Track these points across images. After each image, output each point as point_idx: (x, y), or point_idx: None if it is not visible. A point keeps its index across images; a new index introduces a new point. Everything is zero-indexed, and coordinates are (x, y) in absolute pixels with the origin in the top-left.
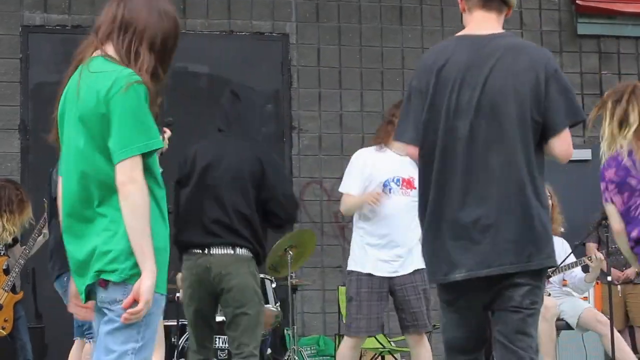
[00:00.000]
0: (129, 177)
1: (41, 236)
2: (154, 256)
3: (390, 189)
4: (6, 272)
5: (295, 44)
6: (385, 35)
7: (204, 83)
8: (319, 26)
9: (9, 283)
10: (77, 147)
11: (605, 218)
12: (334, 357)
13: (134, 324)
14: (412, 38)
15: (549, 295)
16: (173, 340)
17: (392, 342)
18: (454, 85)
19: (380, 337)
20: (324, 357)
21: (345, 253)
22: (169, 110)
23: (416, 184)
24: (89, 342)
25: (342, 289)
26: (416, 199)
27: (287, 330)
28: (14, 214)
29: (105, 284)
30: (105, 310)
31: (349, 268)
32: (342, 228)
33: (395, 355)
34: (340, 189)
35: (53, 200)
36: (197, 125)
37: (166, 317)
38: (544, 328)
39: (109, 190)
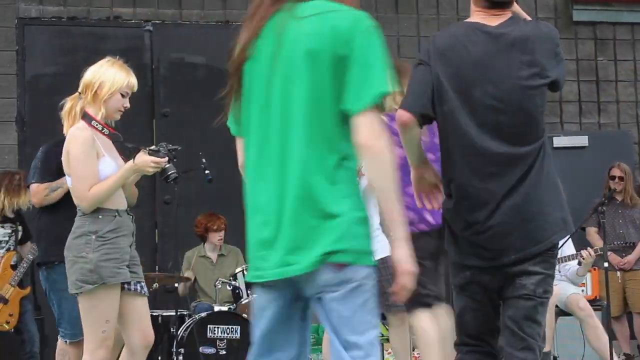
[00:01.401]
0: (375, 133)
1: None
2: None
3: None
4: (14, 267)
5: None
6: (381, 24)
7: (200, 73)
8: None
9: (15, 278)
10: (296, 97)
11: (604, 203)
12: None
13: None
14: (408, 27)
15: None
16: (172, 330)
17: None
18: (467, 76)
19: (380, 326)
20: (319, 347)
21: None
22: (166, 101)
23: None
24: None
25: None
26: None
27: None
28: (10, 193)
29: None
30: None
31: None
32: None
33: None
34: None
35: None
36: (194, 116)
37: (165, 307)
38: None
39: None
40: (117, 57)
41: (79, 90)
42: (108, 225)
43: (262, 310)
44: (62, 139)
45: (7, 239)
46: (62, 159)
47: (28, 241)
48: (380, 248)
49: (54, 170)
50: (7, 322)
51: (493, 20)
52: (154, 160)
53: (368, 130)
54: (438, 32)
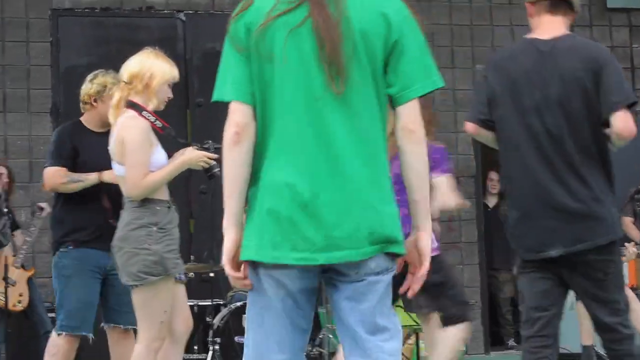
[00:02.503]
0: (419, 120)
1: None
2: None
3: None
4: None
5: None
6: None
7: None
8: None
9: (18, 260)
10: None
11: (639, 191)
12: None
13: None
14: (440, 15)
15: None
16: (208, 319)
17: None
18: (523, 85)
19: (413, 314)
20: None
21: None
22: (199, 91)
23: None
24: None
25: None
26: None
27: (320, 308)
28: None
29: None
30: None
31: None
32: None
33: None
34: None
35: None
36: (226, 106)
37: (201, 296)
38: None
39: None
40: (156, 47)
41: (125, 80)
42: (165, 216)
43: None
44: (74, 122)
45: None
46: (113, 147)
47: (18, 229)
48: None
49: (68, 154)
50: (20, 302)
51: (546, 34)
52: (207, 156)
53: (416, 116)
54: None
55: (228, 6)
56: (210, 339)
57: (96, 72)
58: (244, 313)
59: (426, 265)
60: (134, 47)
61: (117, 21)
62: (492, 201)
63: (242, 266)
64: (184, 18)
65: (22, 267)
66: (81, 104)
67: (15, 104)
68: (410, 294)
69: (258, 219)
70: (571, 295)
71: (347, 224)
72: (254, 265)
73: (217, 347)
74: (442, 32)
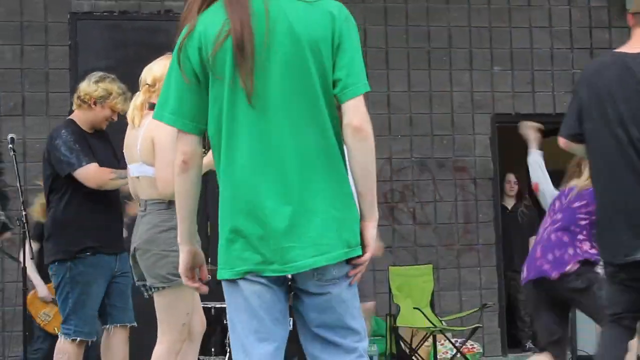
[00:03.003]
0: (365, 117)
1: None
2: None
3: None
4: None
5: None
6: (431, 15)
7: None
8: (365, 7)
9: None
10: (299, 87)
11: None
12: (385, 336)
13: None
14: (459, 17)
15: None
16: (225, 321)
17: (443, 322)
18: (608, 98)
19: (431, 316)
20: (376, 337)
21: (395, 233)
22: None
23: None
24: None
25: (393, 269)
26: None
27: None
28: None
29: None
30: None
31: None
32: (392, 208)
33: (446, 334)
34: None
35: (55, 177)
36: None
37: (218, 298)
38: None
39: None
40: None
41: (148, 83)
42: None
43: None
44: (72, 121)
45: None
46: (142, 147)
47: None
48: None
49: (89, 151)
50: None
51: (637, 48)
52: None
53: (362, 114)
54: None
55: None
56: (227, 340)
57: (102, 74)
58: None
59: (369, 253)
60: (152, 51)
61: (135, 25)
62: (509, 203)
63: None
64: None
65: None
66: (77, 100)
67: (34, 107)
68: (352, 282)
69: (224, 239)
70: None
71: (307, 233)
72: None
73: (228, 348)
74: (460, 34)
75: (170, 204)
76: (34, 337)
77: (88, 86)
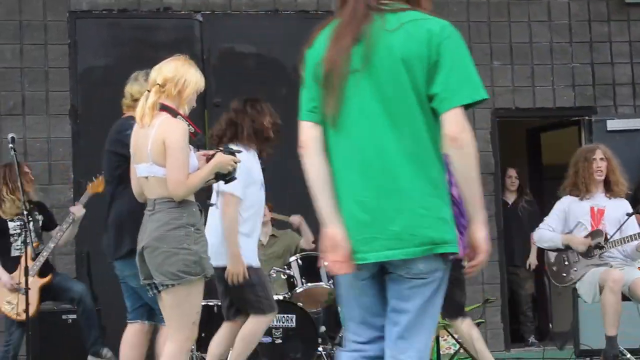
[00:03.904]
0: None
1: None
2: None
3: None
4: (34, 258)
5: None
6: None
7: (251, 63)
8: None
9: (34, 267)
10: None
11: None
12: None
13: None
14: (458, 12)
15: (611, 266)
16: None
17: (445, 317)
18: None
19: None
20: None
21: None
22: (216, 91)
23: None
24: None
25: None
26: None
27: (340, 307)
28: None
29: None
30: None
31: None
32: None
33: (449, 329)
34: None
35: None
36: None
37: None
38: (611, 300)
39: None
40: (185, 54)
41: (159, 83)
42: (200, 218)
43: None
44: (130, 117)
45: (18, 231)
46: (153, 148)
47: (53, 229)
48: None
49: None
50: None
51: None
52: (234, 160)
53: (457, 124)
54: None
55: (245, 6)
56: None
57: (146, 71)
58: None
59: (482, 254)
60: (152, 48)
61: (135, 22)
62: (510, 198)
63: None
64: (201, 19)
65: (39, 275)
66: (130, 102)
67: (34, 106)
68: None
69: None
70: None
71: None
72: None
73: None
74: (459, 29)
75: (180, 202)
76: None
77: (141, 86)
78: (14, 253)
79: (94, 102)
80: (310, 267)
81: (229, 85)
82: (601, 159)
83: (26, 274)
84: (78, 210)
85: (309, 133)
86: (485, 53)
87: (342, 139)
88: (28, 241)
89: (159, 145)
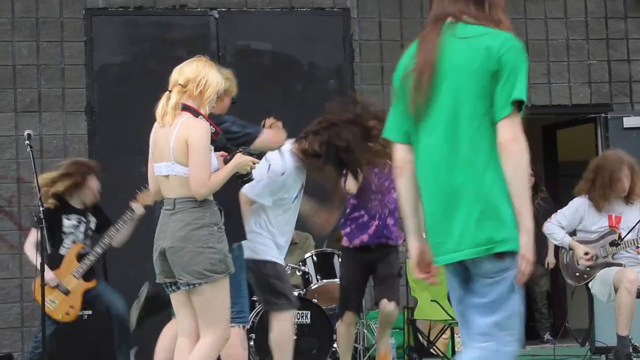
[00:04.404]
0: (513, 136)
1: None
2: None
3: None
4: (80, 259)
5: (356, 18)
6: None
7: (266, 60)
8: (380, 0)
9: (79, 270)
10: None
11: None
12: (403, 329)
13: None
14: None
15: (624, 266)
16: None
17: None
18: None
19: (449, 309)
20: (394, 330)
21: None
22: None
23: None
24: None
25: (410, 262)
26: None
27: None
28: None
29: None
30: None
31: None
32: None
33: None
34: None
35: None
36: (260, 103)
37: None
38: (627, 301)
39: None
40: (206, 55)
41: (181, 83)
42: (220, 217)
43: None
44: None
45: (72, 230)
46: (176, 146)
47: (106, 231)
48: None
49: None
50: (67, 314)
51: None
52: (253, 161)
53: (508, 133)
54: None
55: (261, 3)
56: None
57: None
58: None
59: (523, 263)
60: (168, 46)
61: (151, 20)
62: None
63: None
64: (217, 16)
65: (84, 278)
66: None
67: (50, 103)
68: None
69: None
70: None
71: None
72: None
73: (252, 343)
74: None
75: (202, 202)
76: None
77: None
78: (62, 251)
79: (110, 99)
80: (325, 264)
81: (245, 83)
82: (626, 176)
83: (42, 269)
84: (138, 208)
85: (403, 156)
86: None
87: (426, 146)
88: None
89: (182, 145)
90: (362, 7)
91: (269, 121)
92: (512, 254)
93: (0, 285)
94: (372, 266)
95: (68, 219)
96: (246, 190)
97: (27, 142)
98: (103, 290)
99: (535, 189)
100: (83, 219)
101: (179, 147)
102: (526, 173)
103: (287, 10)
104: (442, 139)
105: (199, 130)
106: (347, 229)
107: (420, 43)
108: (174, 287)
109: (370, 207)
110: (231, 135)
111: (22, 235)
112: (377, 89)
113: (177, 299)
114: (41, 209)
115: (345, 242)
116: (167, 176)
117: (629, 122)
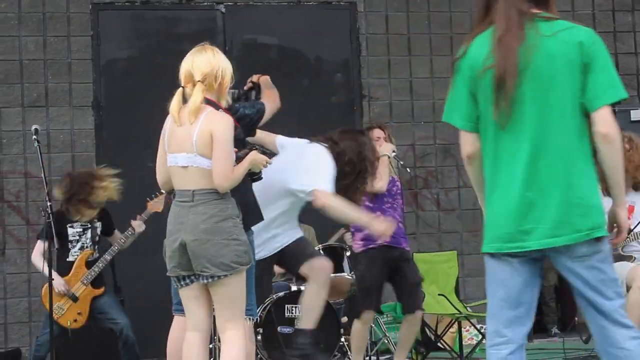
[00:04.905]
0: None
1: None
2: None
3: None
4: (90, 266)
5: (363, 12)
6: (453, 0)
7: (273, 54)
8: None
9: (88, 277)
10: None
11: None
12: None
13: None
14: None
15: (634, 259)
16: None
17: (468, 308)
18: None
19: (456, 303)
20: (398, 324)
21: (419, 220)
22: (239, 83)
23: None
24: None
25: (417, 256)
26: None
27: None
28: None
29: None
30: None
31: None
32: (415, 195)
33: (471, 320)
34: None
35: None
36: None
37: None
38: (638, 299)
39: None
40: (207, 42)
41: (199, 79)
42: (239, 210)
43: None
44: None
45: (77, 237)
46: (200, 139)
47: (111, 235)
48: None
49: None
50: (75, 320)
51: None
52: (267, 161)
53: (606, 121)
54: None
55: None
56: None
57: None
58: (287, 304)
59: (623, 232)
60: (174, 40)
61: (157, 14)
62: None
63: None
64: (223, 10)
65: (92, 285)
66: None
67: (57, 98)
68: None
69: None
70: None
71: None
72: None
73: (259, 337)
74: None
75: (224, 194)
76: (43, 328)
77: None
78: (70, 258)
79: (117, 93)
80: (332, 258)
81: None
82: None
83: (50, 266)
84: (139, 226)
85: (474, 145)
86: None
87: (508, 139)
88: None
89: (206, 137)
90: (369, 1)
91: (255, 77)
92: (604, 238)
93: (8, 280)
94: (394, 264)
95: (72, 227)
96: (326, 187)
97: (34, 137)
98: (109, 308)
99: None
100: (88, 225)
101: (202, 140)
102: (622, 157)
103: (294, 4)
104: (536, 133)
105: (224, 124)
106: (367, 231)
107: (498, 42)
108: (187, 281)
109: (385, 209)
110: (248, 118)
111: (30, 229)
112: (384, 82)
113: (188, 294)
114: (49, 203)
115: (361, 245)
116: (185, 167)
117: (637, 115)
